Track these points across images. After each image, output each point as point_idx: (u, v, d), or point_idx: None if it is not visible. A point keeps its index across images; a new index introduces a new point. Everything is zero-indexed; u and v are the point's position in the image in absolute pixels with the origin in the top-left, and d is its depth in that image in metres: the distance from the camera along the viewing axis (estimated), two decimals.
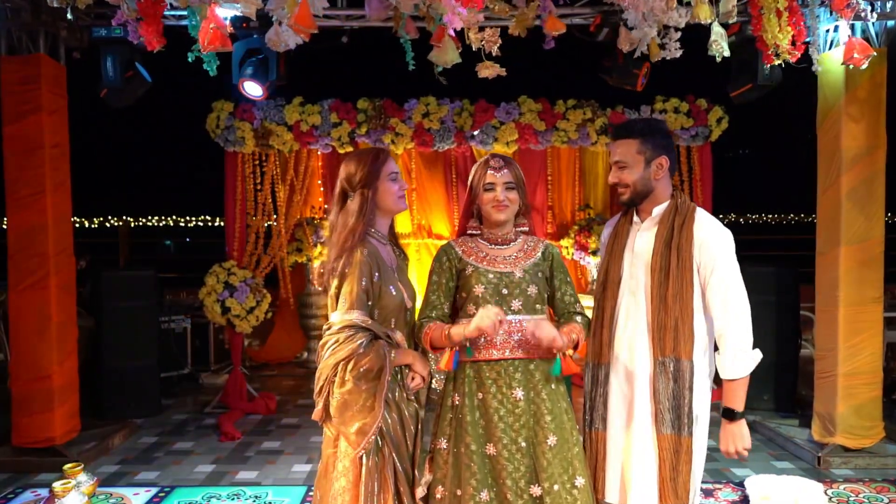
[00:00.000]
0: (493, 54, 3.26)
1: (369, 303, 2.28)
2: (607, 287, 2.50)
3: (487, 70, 3.31)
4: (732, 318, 2.28)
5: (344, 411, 2.21)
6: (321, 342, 2.28)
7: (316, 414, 2.30)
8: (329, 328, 2.26)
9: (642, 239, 2.45)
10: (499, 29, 3.26)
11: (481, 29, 3.20)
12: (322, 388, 2.26)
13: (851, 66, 3.90)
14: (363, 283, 2.26)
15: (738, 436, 2.31)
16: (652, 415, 2.34)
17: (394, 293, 2.34)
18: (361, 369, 2.20)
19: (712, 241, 2.32)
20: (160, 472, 4.40)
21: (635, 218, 2.51)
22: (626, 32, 4.14)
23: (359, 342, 2.21)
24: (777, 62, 3.98)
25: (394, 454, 2.26)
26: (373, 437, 2.20)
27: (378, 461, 2.23)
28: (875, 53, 4.05)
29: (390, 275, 2.35)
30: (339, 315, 2.25)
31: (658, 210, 2.43)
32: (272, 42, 3.48)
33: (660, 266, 2.35)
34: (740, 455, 2.33)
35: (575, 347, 2.44)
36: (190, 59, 3.11)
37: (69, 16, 3.95)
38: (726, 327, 2.28)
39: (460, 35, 3.60)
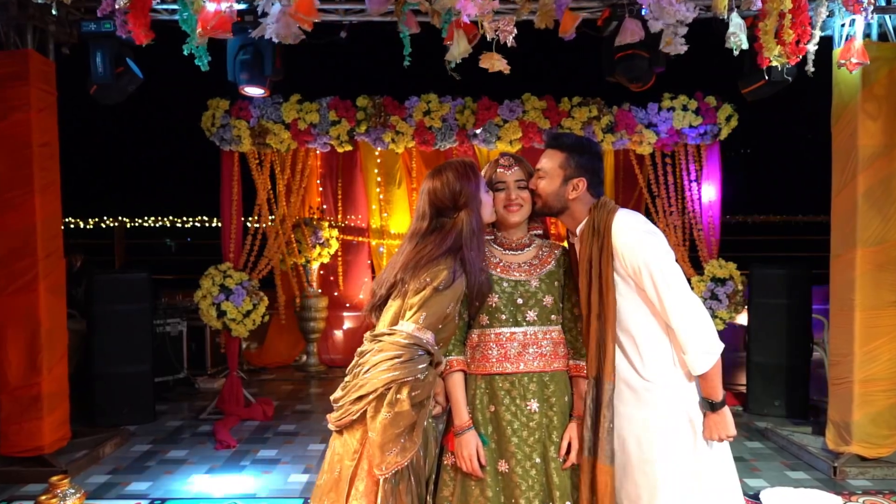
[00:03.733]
0: (509, 45, 3.10)
1: (440, 326, 2.15)
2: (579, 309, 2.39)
3: (491, 62, 3.15)
4: (679, 316, 2.15)
5: (387, 431, 2.04)
6: (378, 346, 2.12)
7: (342, 421, 2.14)
8: (392, 334, 2.11)
9: (579, 259, 2.35)
10: (514, 18, 3.10)
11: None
12: (363, 398, 2.09)
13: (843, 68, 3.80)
14: (449, 307, 2.14)
15: (722, 425, 2.20)
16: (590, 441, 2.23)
17: (456, 321, 2.23)
18: (415, 394, 2.07)
19: (632, 248, 2.19)
20: (152, 482, 4.25)
21: (573, 239, 2.42)
22: (629, 25, 3.98)
23: (422, 366, 2.09)
24: (774, 64, 3.85)
25: (412, 478, 2.12)
26: (405, 464, 2.06)
27: (395, 485, 2.09)
28: (868, 62, 3.92)
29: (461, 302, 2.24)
30: (412, 328, 2.10)
31: (580, 228, 2.33)
32: (282, 35, 3.33)
33: (587, 285, 2.25)
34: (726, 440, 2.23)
35: None
36: (185, 53, 2.96)
37: (54, 11, 3.80)
38: (677, 327, 2.16)
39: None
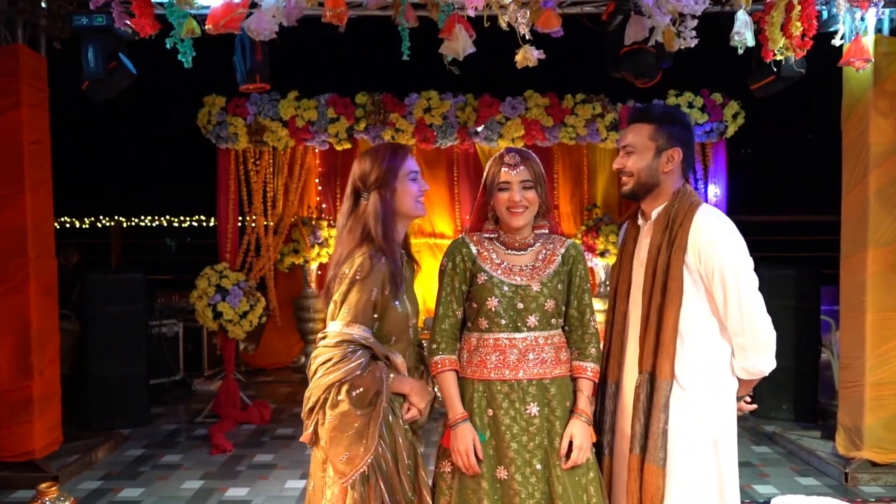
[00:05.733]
0: (527, 37, 3.00)
1: (375, 315, 2.04)
2: (617, 297, 2.29)
3: (526, 56, 3.05)
4: (744, 323, 2.05)
5: (334, 436, 1.97)
6: (314, 353, 2.03)
7: (305, 437, 2.07)
8: (324, 338, 2.02)
9: (645, 245, 2.22)
10: (527, 10, 3.00)
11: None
12: (312, 410, 2.02)
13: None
14: (373, 294, 2.01)
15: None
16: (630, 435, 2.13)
17: (399, 309, 2.09)
18: (356, 393, 1.96)
19: (712, 246, 2.07)
20: (145, 488, 4.14)
21: (640, 220, 2.28)
22: (638, 20, 3.88)
23: (357, 362, 1.96)
24: (778, 58, 3.76)
25: (381, 483, 2.00)
26: (363, 469, 1.97)
27: (364, 492, 1.98)
28: (873, 59, 3.81)
29: (399, 288, 2.10)
30: (339, 327, 2.00)
31: (656, 213, 2.19)
32: (253, 31, 3.25)
33: (650, 275, 2.13)
34: None
35: None
36: (168, 46, 2.86)
37: (42, 4, 3.70)
38: (741, 333, 2.06)
39: (472, 22, 3.36)
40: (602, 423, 2.27)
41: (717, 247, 2.06)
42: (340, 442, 1.97)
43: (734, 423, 2.16)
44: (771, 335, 2.08)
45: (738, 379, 2.16)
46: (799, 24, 3.57)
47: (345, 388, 1.96)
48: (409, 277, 2.23)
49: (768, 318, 2.08)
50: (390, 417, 2.05)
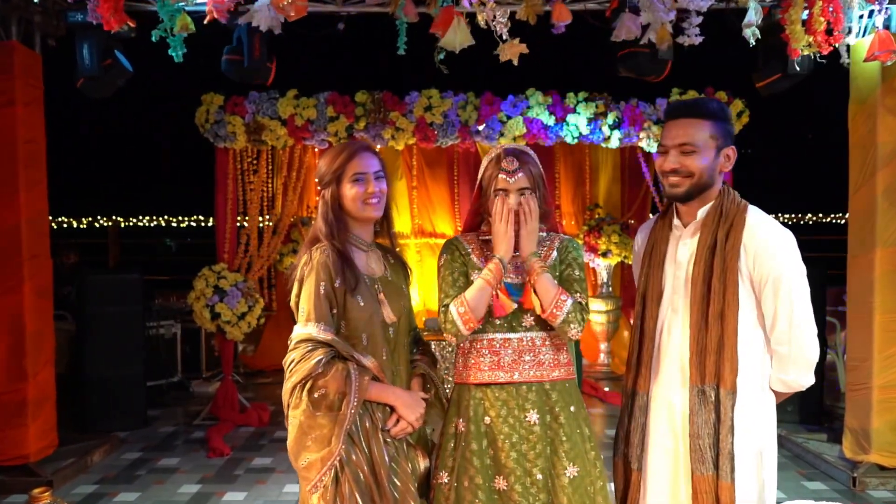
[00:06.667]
0: (504, 38, 2.96)
1: (333, 311, 1.98)
2: (647, 303, 2.15)
3: (512, 51, 3.00)
4: (791, 335, 1.96)
5: (297, 438, 1.92)
6: (284, 360, 1.98)
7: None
8: (290, 343, 1.98)
9: (685, 247, 2.09)
10: (508, 10, 2.96)
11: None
12: (287, 417, 1.99)
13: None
14: (322, 288, 1.97)
15: None
16: (689, 452, 2.00)
17: (361, 304, 2.01)
18: (317, 394, 1.90)
19: (766, 248, 1.96)
20: (141, 493, 4.07)
21: (676, 221, 2.14)
22: (629, 19, 3.82)
23: (315, 360, 1.90)
24: (806, 53, 3.68)
25: (358, 496, 1.91)
26: (326, 477, 1.90)
27: (335, 495, 1.90)
28: None
29: (360, 284, 2.03)
30: (299, 328, 1.97)
31: (703, 212, 2.06)
32: (263, 21, 3.20)
33: (702, 278, 2.01)
34: None
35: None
36: (154, 39, 2.79)
37: (36, 0, 3.63)
38: (785, 344, 1.97)
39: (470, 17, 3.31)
40: (629, 435, 2.15)
41: (774, 251, 1.97)
42: (303, 445, 1.92)
43: (775, 434, 2.08)
44: (815, 349, 1.99)
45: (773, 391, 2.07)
46: (822, 19, 3.49)
47: (306, 387, 1.91)
48: (391, 278, 2.16)
49: (815, 331, 2.00)
50: (367, 424, 1.98)
